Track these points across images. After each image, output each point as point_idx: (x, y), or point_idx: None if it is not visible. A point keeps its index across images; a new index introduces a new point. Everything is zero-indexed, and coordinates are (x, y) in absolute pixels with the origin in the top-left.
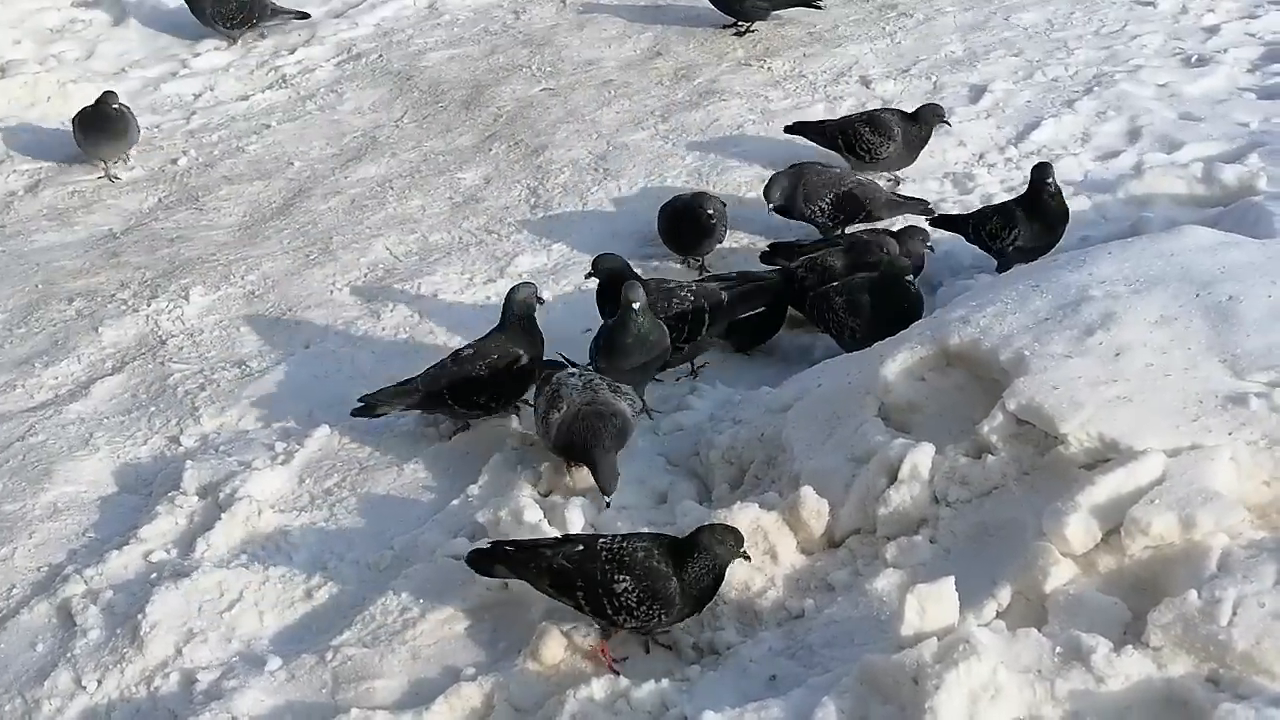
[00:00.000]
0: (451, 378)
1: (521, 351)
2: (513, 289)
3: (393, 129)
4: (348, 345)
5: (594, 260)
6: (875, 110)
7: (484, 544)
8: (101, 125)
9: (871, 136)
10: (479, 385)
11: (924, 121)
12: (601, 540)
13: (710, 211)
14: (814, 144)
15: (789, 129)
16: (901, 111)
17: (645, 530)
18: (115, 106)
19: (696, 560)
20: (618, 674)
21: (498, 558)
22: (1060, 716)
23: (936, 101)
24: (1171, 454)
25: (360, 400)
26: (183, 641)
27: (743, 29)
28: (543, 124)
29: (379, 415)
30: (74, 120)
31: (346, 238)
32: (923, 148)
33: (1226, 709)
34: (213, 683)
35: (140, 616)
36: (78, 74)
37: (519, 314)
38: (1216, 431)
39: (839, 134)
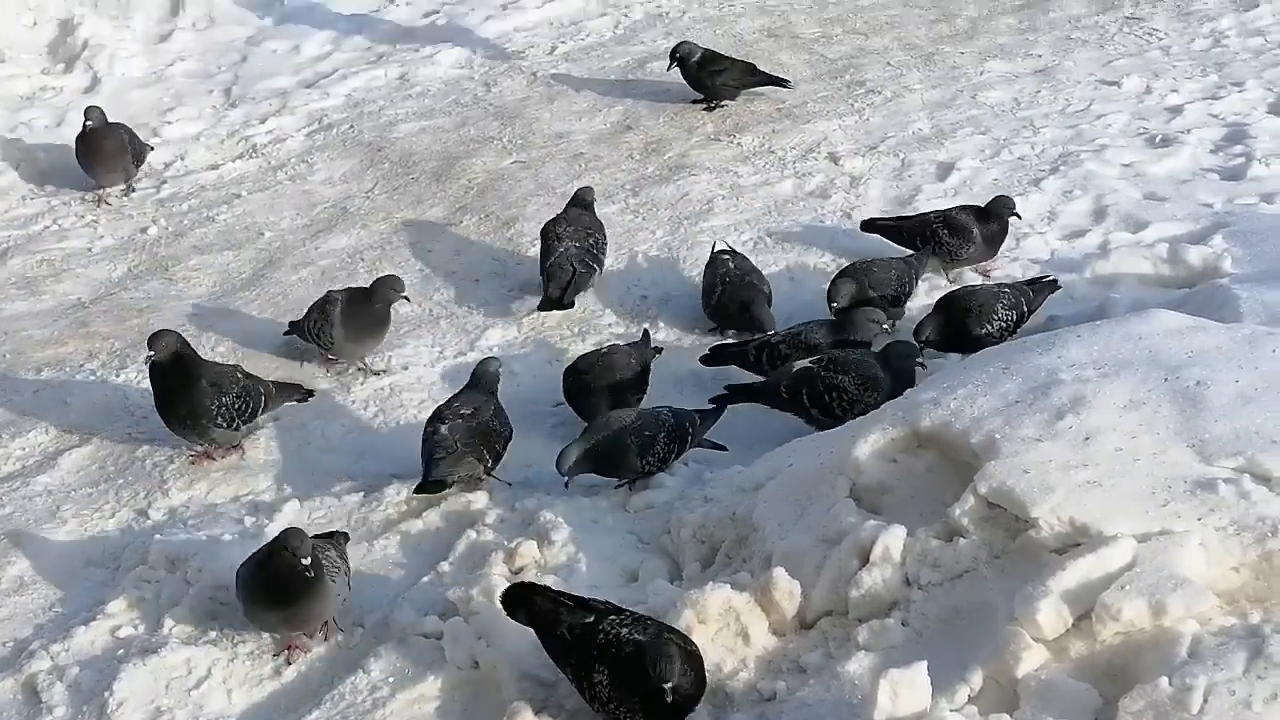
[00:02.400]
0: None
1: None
2: (482, 362)
3: (363, 200)
4: (318, 418)
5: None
6: (949, 211)
7: (520, 581)
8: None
9: (950, 239)
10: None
11: (997, 215)
12: (611, 618)
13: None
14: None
15: (865, 226)
16: (975, 208)
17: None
18: (89, 124)
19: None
20: None
21: (526, 602)
22: None
23: (1006, 194)
24: (1141, 539)
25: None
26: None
27: (712, 105)
28: (514, 196)
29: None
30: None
31: None
32: (1002, 240)
33: None
34: None
35: (107, 694)
36: (48, 140)
37: (487, 387)
38: (1186, 517)
39: (918, 235)
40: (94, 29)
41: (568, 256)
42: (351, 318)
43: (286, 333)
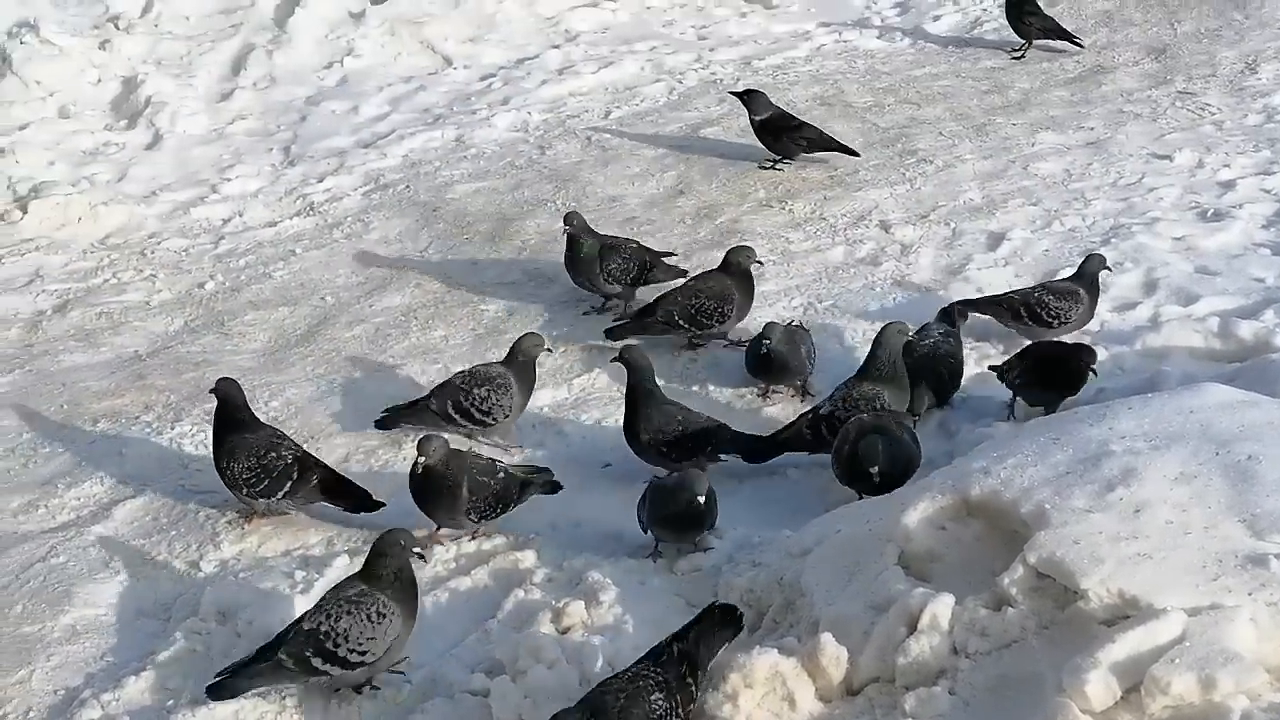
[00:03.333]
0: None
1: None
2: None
3: (418, 259)
4: (369, 477)
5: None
6: (1046, 283)
7: None
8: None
9: (1058, 304)
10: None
11: (1092, 273)
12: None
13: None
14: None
15: (963, 308)
16: (1070, 278)
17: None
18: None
19: None
20: None
21: None
22: None
23: (1097, 253)
24: (1191, 613)
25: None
26: None
27: (774, 163)
28: None
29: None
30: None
31: (369, 367)
32: (1097, 298)
33: None
34: None
35: None
36: (109, 196)
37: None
38: (1236, 591)
39: (1022, 307)
40: (157, 86)
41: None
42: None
43: (380, 423)
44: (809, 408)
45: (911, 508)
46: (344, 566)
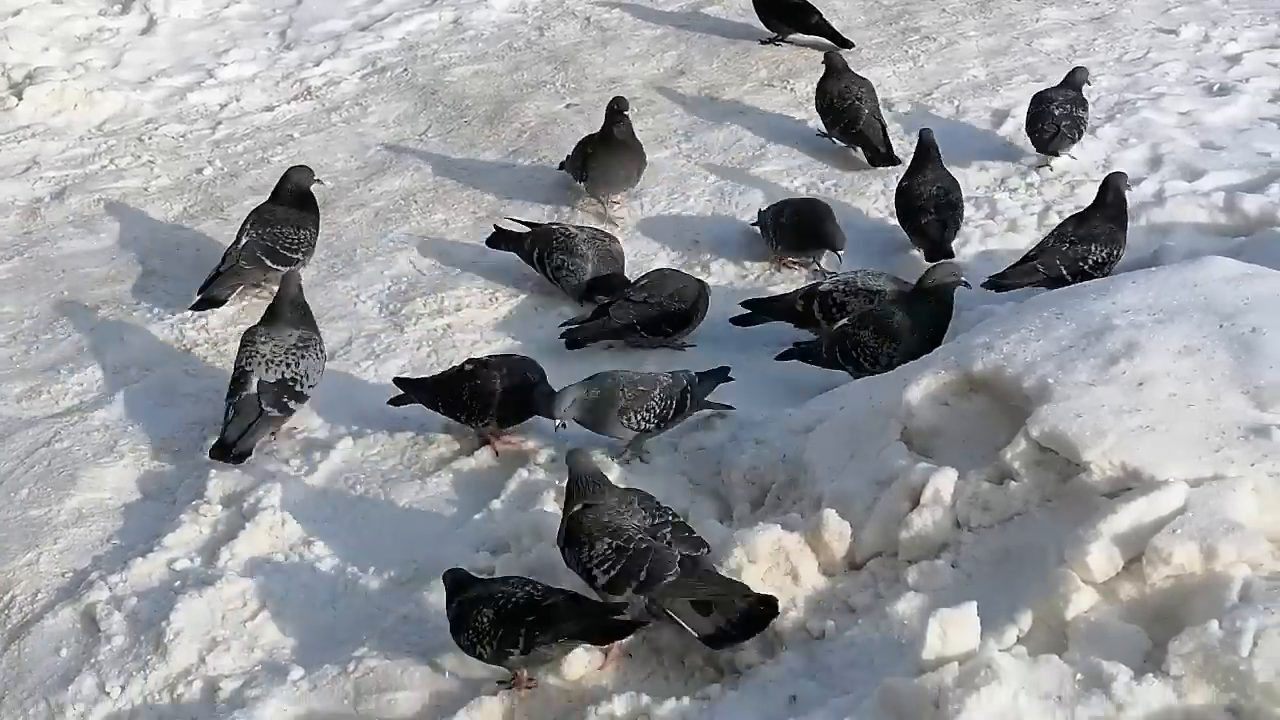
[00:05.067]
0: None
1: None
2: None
3: (417, 142)
4: (371, 358)
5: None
6: (1081, 230)
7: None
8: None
9: (1099, 250)
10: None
11: (1115, 191)
12: None
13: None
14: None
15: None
16: (1092, 206)
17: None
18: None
19: None
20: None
21: None
22: None
23: (1117, 170)
24: (1194, 484)
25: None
26: (206, 649)
27: (769, 41)
28: (566, 140)
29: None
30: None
31: (370, 250)
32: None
33: None
34: (235, 691)
35: (164, 624)
36: (104, 82)
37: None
38: (1239, 463)
39: (1064, 267)
40: None
41: None
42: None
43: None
44: (810, 283)
45: (914, 384)
46: (348, 448)
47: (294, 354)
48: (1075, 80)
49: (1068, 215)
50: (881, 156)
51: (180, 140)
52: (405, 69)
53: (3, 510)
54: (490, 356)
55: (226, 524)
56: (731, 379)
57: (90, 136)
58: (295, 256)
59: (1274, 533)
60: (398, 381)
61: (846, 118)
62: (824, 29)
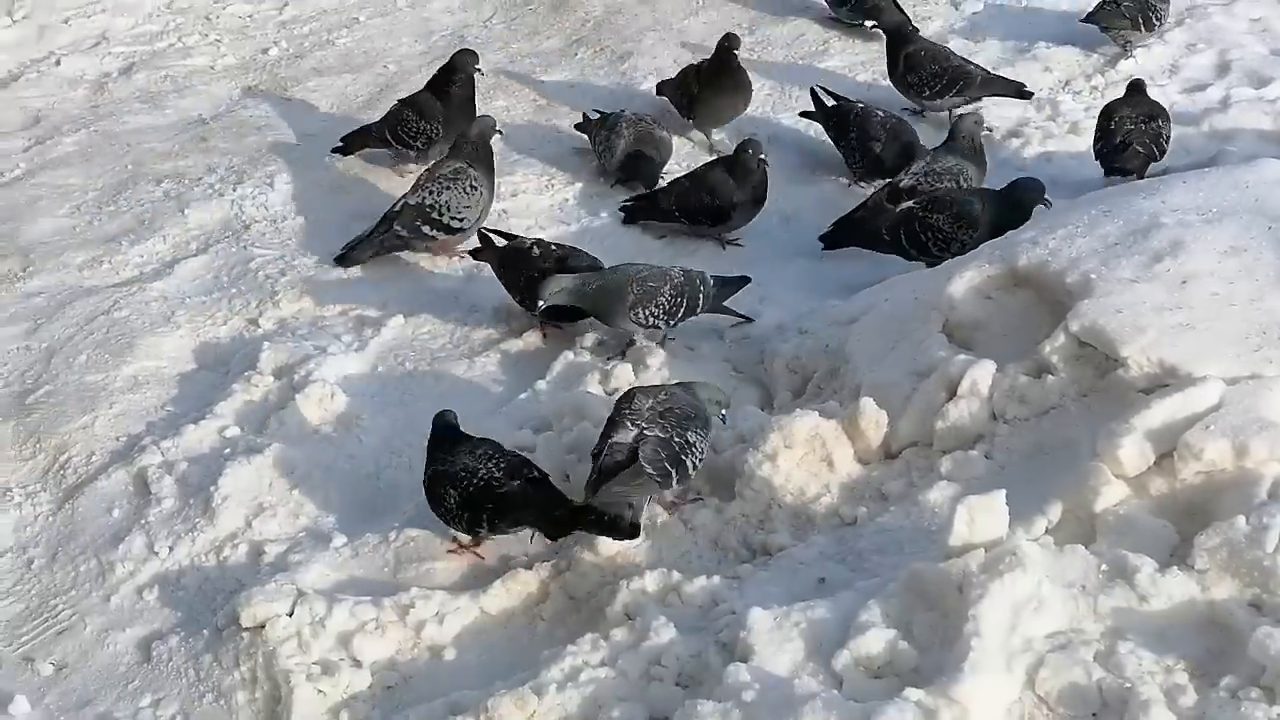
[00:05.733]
0: None
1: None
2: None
3: (481, 29)
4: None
5: None
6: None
7: None
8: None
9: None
10: None
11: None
12: None
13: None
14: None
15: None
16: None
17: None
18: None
19: None
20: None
21: None
22: (1101, 632)
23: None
24: (1230, 382)
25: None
26: (252, 515)
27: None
28: (630, 30)
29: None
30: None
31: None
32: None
33: (1265, 632)
34: (279, 555)
35: (213, 488)
36: None
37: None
38: (1277, 363)
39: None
40: None
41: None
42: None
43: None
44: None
45: (958, 276)
46: (399, 325)
47: (441, 183)
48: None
49: None
50: (904, 22)
51: (247, 20)
52: None
53: (61, 374)
54: (555, 244)
55: (278, 394)
56: (750, 281)
57: (159, 14)
58: (414, 144)
59: None
60: (481, 236)
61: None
62: None
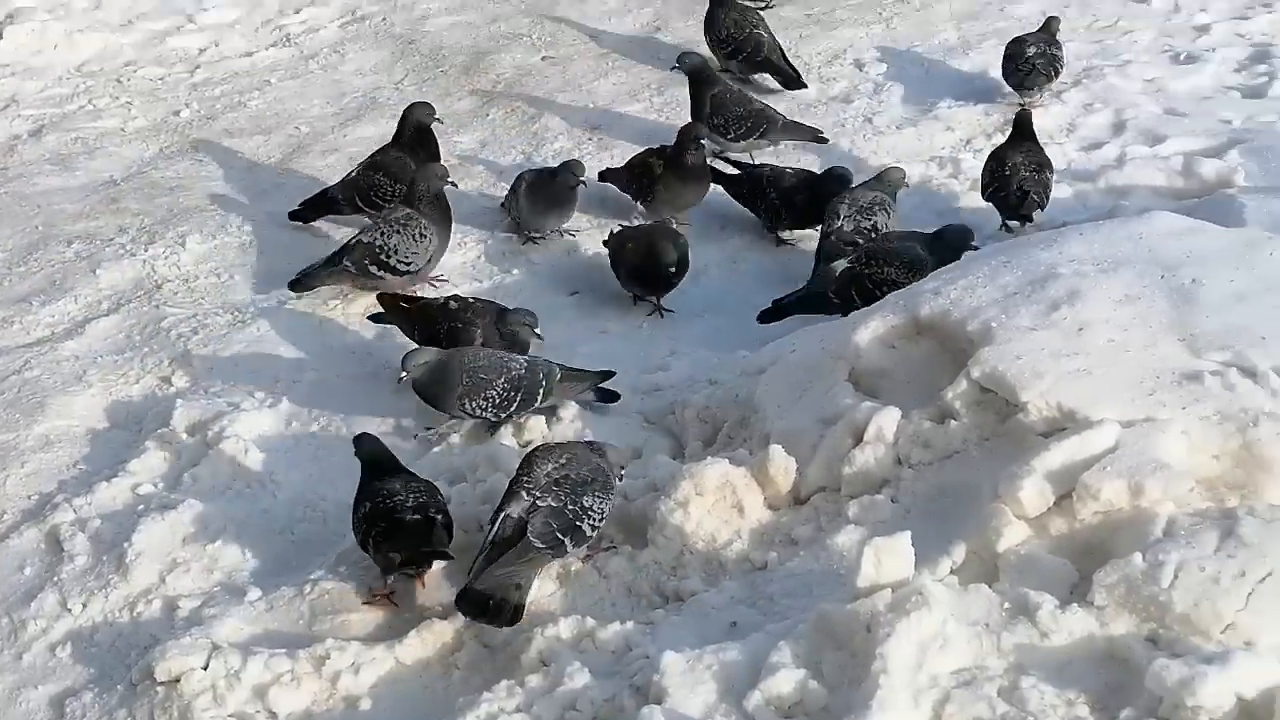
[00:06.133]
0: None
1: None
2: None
3: (393, 90)
4: (338, 297)
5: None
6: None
7: None
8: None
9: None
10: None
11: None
12: None
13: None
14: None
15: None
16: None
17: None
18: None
19: None
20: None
21: None
22: (1005, 668)
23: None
24: (1126, 425)
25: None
26: (166, 570)
27: (764, 4)
28: (540, 92)
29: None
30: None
31: None
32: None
33: (1161, 664)
34: (194, 610)
35: (126, 545)
36: (85, 24)
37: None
38: (1170, 406)
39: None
40: None
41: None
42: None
43: (292, 286)
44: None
45: (864, 326)
46: (312, 382)
47: (393, 226)
48: (1050, 28)
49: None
50: (794, 80)
51: (158, 83)
52: (384, 18)
53: None
54: (475, 299)
55: (190, 452)
56: (613, 375)
57: (69, 77)
58: (386, 204)
59: (1200, 473)
60: (381, 298)
61: (749, 46)
62: None
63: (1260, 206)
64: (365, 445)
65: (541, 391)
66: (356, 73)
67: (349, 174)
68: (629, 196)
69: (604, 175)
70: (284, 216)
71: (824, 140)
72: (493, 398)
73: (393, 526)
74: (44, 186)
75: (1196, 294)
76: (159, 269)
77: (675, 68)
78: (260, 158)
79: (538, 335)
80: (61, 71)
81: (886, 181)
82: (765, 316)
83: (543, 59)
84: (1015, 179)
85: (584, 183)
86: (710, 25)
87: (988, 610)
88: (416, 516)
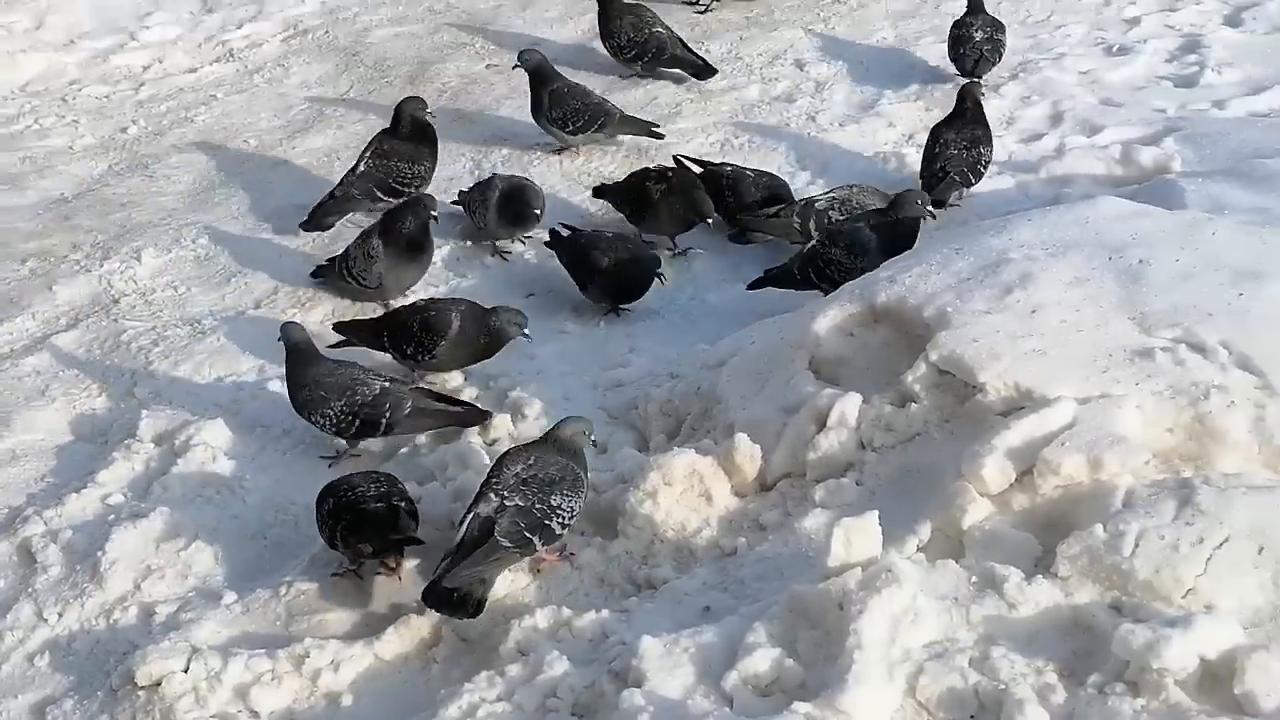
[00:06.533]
0: None
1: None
2: None
3: (338, 102)
4: (296, 305)
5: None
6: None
7: None
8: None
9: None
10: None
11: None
12: None
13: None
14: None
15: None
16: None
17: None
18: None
19: None
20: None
21: None
22: (974, 640)
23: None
24: (1082, 402)
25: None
26: (141, 577)
27: (703, 6)
28: (486, 100)
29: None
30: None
31: (294, 204)
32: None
33: (1126, 629)
34: (170, 615)
35: (100, 554)
36: (27, 44)
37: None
38: (1124, 382)
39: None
40: None
41: None
42: (391, 246)
43: (314, 274)
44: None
45: (821, 315)
46: (276, 389)
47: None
48: (984, 10)
49: None
50: (705, 68)
51: (104, 101)
52: (326, 31)
53: None
54: (444, 298)
55: (159, 461)
56: (490, 416)
57: (14, 97)
58: (407, 190)
59: (1156, 446)
60: (338, 327)
61: (653, 47)
62: None
63: (1199, 190)
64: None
65: (384, 423)
66: (302, 85)
67: (354, 168)
68: (623, 215)
69: (598, 191)
70: (235, 227)
71: (660, 135)
72: (330, 416)
73: (358, 518)
74: None
75: (1144, 274)
76: (115, 284)
77: (517, 65)
78: (210, 171)
79: (526, 335)
80: (5, 92)
81: (905, 205)
82: (752, 285)
83: (486, 67)
84: (941, 159)
85: (538, 213)
86: (606, 34)
87: (956, 585)
88: (380, 505)
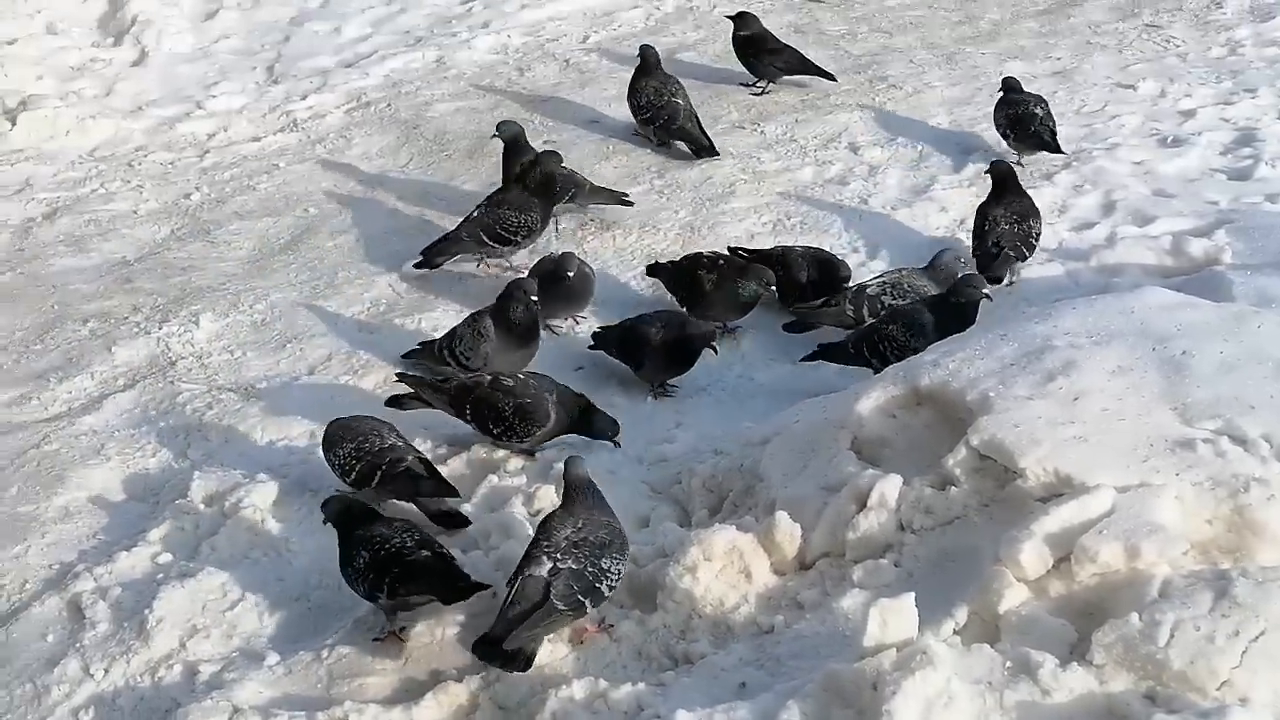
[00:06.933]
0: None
1: None
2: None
3: (398, 174)
4: (349, 373)
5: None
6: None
7: None
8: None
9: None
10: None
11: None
12: None
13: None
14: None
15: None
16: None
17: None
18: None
19: None
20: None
21: None
22: None
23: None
24: (1121, 490)
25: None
26: (186, 636)
27: (759, 89)
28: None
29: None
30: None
31: (351, 274)
32: None
33: (1160, 719)
34: (214, 674)
35: (147, 612)
36: (96, 110)
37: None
38: (1164, 472)
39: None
40: (142, 5)
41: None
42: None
43: (405, 355)
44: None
45: (865, 397)
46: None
47: (467, 325)
48: (1020, 88)
49: None
50: (706, 149)
51: (169, 167)
52: (389, 104)
53: None
54: (511, 374)
55: (208, 522)
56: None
57: (81, 161)
58: (514, 239)
59: (1194, 537)
60: (407, 379)
61: (665, 114)
62: (805, 68)
63: (1248, 282)
64: (332, 507)
65: (381, 473)
66: (363, 157)
67: (470, 214)
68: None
69: (651, 270)
70: (292, 294)
71: (629, 203)
72: (340, 455)
73: (407, 569)
74: (59, 267)
75: (1187, 365)
76: (173, 346)
77: (495, 135)
78: (270, 238)
79: (616, 443)
80: (74, 156)
81: (941, 265)
82: (805, 358)
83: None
84: (993, 234)
85: (569, 277)
86: (632, 92)
87: (990, 669)
88: (426, 553)
